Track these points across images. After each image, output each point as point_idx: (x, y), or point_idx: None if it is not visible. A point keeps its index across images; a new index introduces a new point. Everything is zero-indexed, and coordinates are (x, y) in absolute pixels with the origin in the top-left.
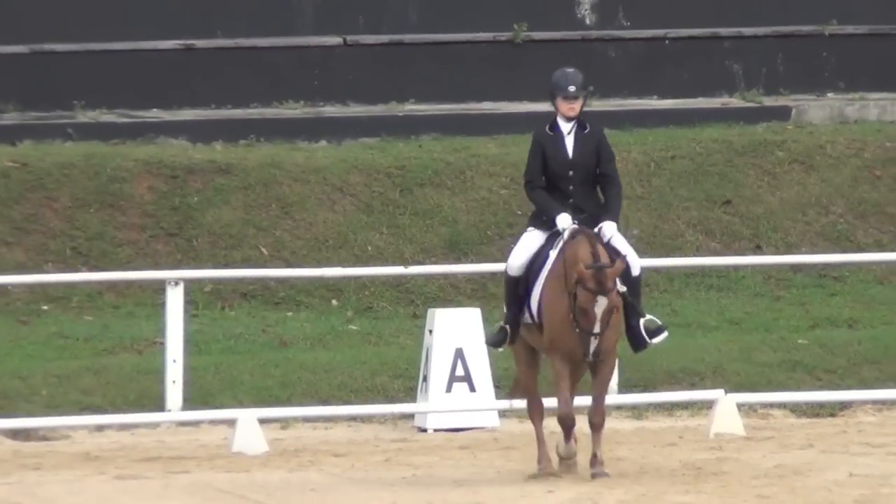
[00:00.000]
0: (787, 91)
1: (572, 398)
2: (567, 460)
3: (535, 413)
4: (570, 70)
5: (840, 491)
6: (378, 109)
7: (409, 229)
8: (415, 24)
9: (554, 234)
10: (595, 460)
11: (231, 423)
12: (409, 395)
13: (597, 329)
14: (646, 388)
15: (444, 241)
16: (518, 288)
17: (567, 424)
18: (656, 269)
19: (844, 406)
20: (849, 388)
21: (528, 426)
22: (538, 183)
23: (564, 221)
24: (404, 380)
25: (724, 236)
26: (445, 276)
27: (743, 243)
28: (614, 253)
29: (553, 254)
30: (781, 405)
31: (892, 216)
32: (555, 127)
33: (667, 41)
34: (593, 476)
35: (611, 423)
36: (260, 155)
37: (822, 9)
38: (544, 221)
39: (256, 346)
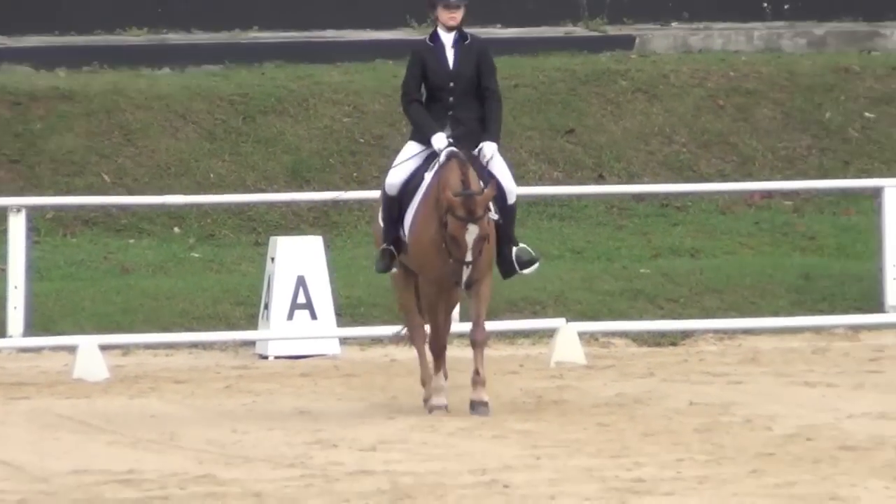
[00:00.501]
0: (630, 20)
1: (447, 324)
2: (438, 390)
3: (417, 335)
4: None
5: (680, 419)
6: (222, 37)
7: (252, 157)
8: None
9: (432, 155)
10: (477, 377)
11: (72, 349)
12: (251, 322)
13: (468, 258)
14: (488, 317)
15: (286, 169)
16: (394, 209)
17: (438, 349)
18: None
19: (686, 335)
20: (690, 317)
21: (370, 353)
22: (415, 96)
23: (440, 142)
24: (246, 307)
25: (566, 165)
26: (288, 203)
27: (586, 172)
28: (488, 178)
29: (428, 176)
30: (623, 334)
31: (734, 146)
32: (435, 38)
33: None
34: (472, 406)
35: (452, 352)
36: (103, 82)
37: None
38: (423, 138)
39: (98, 273)
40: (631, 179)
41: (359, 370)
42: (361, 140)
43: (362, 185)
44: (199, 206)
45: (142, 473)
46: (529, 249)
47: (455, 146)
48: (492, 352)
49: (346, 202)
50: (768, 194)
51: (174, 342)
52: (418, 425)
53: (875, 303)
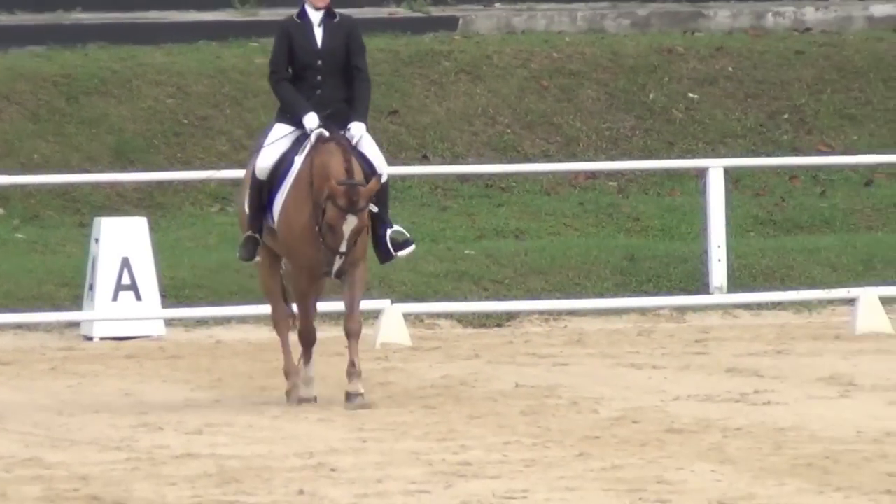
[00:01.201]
0: (454, 1)
1: (313, 311)
2: (307, 383)
3: (281, 322)
4: None
5: (506, 401)
6: (45, 17)
7: (76, 138)
8: None
9: (302, 137)
10: (352, 369)
11: None
12: (76, 303)
13: (343, 248)
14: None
15: (110, 149)
16: (262, 193)
17: (307, 340)
18: None
19: (511, 316)
20: (515, 298)
21: (195, 335)
22: (283, 74)
23: (311, 122)
24: (70, 288)
25: (390, 146)
26: (112, 184)
27: (410, 153)
28: (368, 167)
29: (299, 159)
30: (448, 315)
31: (558, 126)
32: (303, 15)
33: None
34: (348, 397)
35: (274, 334)
36: None
37: None
38: (292, 117)
39: None
40: (455, 160)
41: (184, 352)
42: (185, 121)
43: (186, 165)
44: (22, 186)
45: None
46: (404, 231)
47: (325, 127)
48: (318, 333)
49: (169, 183)
50: (592, 175)
51: None
52: (244, 408)
53: (700, 284)
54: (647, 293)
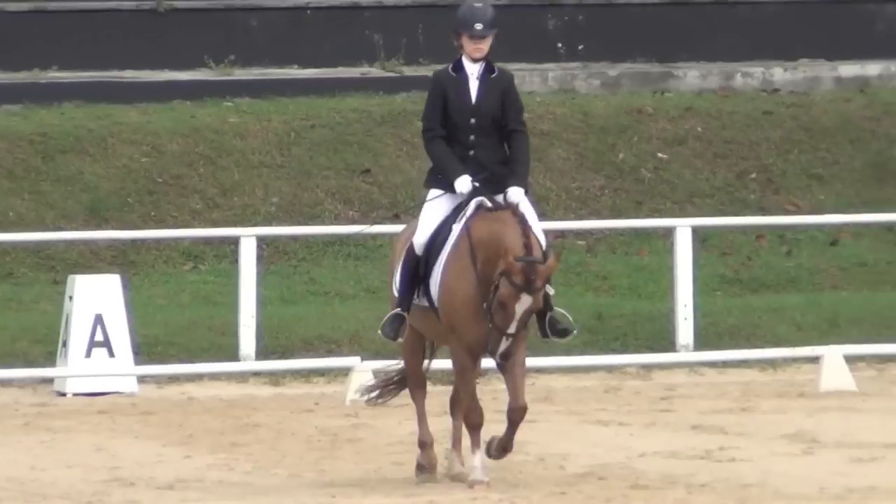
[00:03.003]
0: (426, 61)
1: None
2: (482, 471)
3: (417, 388)
4: (479, 5)
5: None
6: (21, 76)
7: (51, 196)
8: None
9: (462, 204)
10: (500, 449)
11: None
12: (50, 360)
13: (512, 329)
14: (283, 355)
15: (85, 207)
16: (418, 268)
17: (475, 422)
18: (294, 238)
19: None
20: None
21: (167, 391)
22: (438, 132)
23: (463, 185)
24: (44, 345)
25: (362, 205)
26: (86, 242)
27: (381, 212)
28: (543, 243)
29: (457, 227)
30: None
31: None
32: (459, 68)
33: (308, 11)
34: (471, 486)
35: (248, 390)
36: None
37: None
38: (445, 180)
39: None
40: None
41: (156, 408)
42: (159, 180)
43: (160, 223)
44: None
45: None
46: (567, 316)
47: (480, 192)
48: (287, 390)
49: (143, 241)
50: (561, 234)
51: None
52: (214, 464)
53: (667, 342)
54: (614, 351)
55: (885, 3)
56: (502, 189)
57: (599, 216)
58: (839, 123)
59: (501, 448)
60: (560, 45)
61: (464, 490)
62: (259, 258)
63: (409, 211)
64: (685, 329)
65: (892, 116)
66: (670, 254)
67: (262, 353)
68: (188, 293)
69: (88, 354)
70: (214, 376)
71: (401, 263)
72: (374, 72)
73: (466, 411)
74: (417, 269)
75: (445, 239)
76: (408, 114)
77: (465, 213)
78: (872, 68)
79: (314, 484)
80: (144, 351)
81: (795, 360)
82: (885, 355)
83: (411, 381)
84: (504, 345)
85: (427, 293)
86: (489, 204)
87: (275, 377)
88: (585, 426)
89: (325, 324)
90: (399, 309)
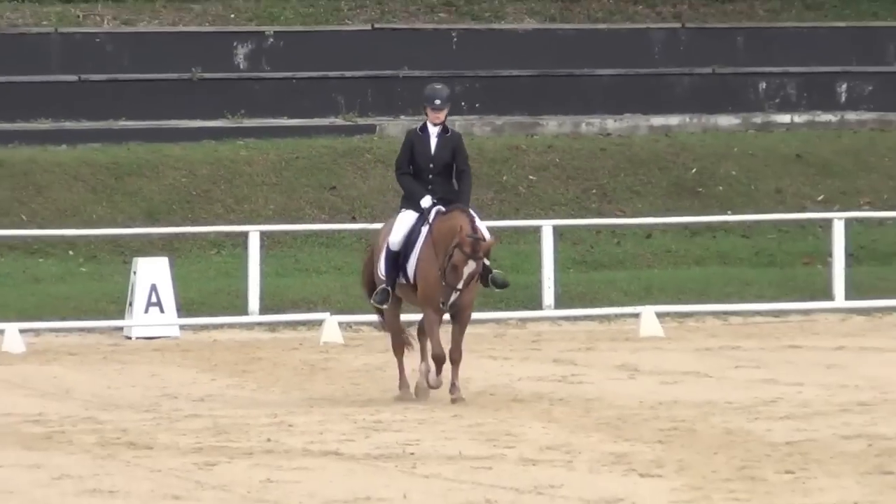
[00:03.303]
0: (373, 114)
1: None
2: (433, 388)
3: (398, 349)
4: (439, 86)
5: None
6: (100, 124)
7: (121, 204)
8: None
9: (422, 216)
10: (454, 387)
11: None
12: (121, 314)
13: (460, 286)
14: (278, 311)
15: (143, 212)
16: (398, 258)
17: (440, 361)
18: (285, 232)
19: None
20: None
21: (199, 336)
22: (405, 170)
23: (427, 202)
24: (117, 304)
25: (330, 210)
26: (145, 235)
27: (342, 216)
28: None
29: (425, 230)
30: (369, 323)
31: None
32: (424, 129)
33: (294, 80)
34: (453, 401)
35: (254, 335)
36: None
37: (399, 58)
38: (412, 202)
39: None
40: (374, 219)
41: (192, 347)
42: (194, 193)
43: (195, 223)
44: (85, 237)
45: (47, 416)
46: (504, 275)
47: (438, 206)
48: (281, 335)
49: (183, 235)
50: None
51: (69, 328)
52: (231, 385)
53: (536, 303)
54: (500, 309)
55: (681, 76)
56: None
57: (490, 218)
58: (651, 156)
59: (452, 384)
60: (463, 103)
61: (402, 403)
62: (261, 246)
63: (362, 215)
64: (548, 294)
65: (687, 152)
66: (539, 243)
67: (263, 310)
68: (214, 270)
69: (146, 311)
70: (231, 325)
71: (383, 256)
72: (338, 121)
73: (434, 353)
74: (397, 259)
75: (416, 239)
76: (361, 150)
77: (428, 220)
78: (673, 119)
79: (299, 398)
80: (185, 308)
81: (623, 315)
82: (682, 312)
83: (394, 341)
84: (453, 297)
85: (405, 274)
86: (444, 209)
87: (272, 326)
88: (481, 360)
89: (306, 290)
90: (385, 285)
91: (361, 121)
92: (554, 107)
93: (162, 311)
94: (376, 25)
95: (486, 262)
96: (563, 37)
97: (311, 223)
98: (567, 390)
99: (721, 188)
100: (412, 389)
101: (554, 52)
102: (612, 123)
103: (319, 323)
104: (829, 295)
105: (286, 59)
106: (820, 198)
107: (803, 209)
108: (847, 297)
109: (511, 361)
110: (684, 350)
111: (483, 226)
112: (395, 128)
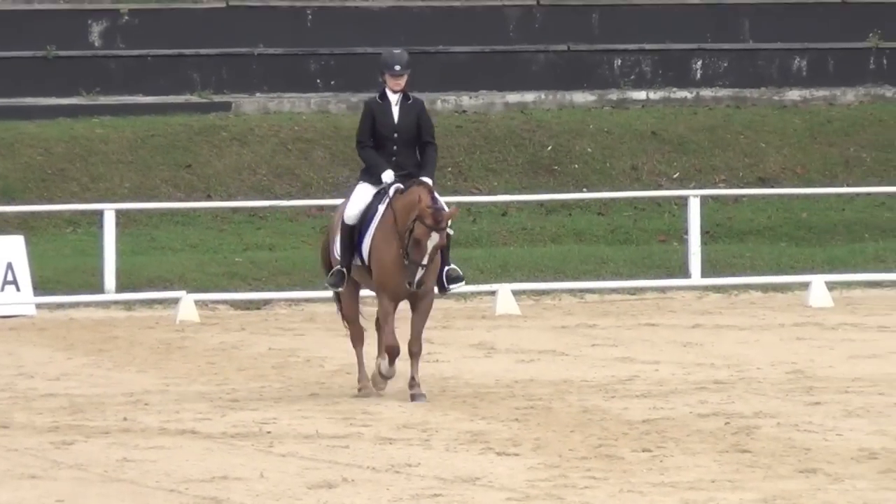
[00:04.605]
0: (229, 91)
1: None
2: (386, 378)
3: (357, 339)
4: (397, 51)
5: (262, 359)
6: None
7: None
8: None
9: (381, 192)
10: (413, 382)
11: None
12: None
13: (424, 261)
14: (134, 289)
15: None
16: (353, 235)
17: (393, 353)
18: (140, 210)
19: (266, 302)
20: (269, 290)
21: (56, 314)
22: (367, 143)
23: (388, 177)
24: None
25: (186, 188)
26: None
27: (198, 194)
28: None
29: (382, 207)
30: (224, 302)
31: (298, 176)
32: (384, 97)
33: (149, 58)
34: (412, 398)
35: (110, 314)
36: None
37: (254, 35)
38: (372, 176)
39: None
40: (230, 198)
41: (48, 325)
42: (49, 171)
43: (51, 201)
44: None
45: None
46: (458, 269)
47: (399, 182)
48: (135, 313)
49: (39, 213)
50: (320, 209)
51: None
52: (87, 363)
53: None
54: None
55: (536, 53)
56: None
57: (346, 196)
58: (507, 134)
59: (411, 378)
60: (319, 80)
61: (254, 379)
62: (117, 224)
63: (217, 193)
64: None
65: (542, 129)
66: None
67: (119, 289)
68: (70, 248)
69: (2, 289)
70: (87, 304)
71: (338, 234)
72: (194, 99)
73: (387, 344)
74: (352, 237)
75: (373, 216)
76: (217, 127)
77: (387, 196)
78: (529, 96)
79: (155, 376)
80: (41, 287)
81: (479, 293)
82: (539, 290)
83: (352, 332)
84: (419, 274)
85: (360, 255)
86: (402, 186)
87: (128, 305)
88: (338, 339)
89: (161, 268)
90: (340, 266)
91: (217, 98)
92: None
93: (18, 289)
94: (231, 3)
95: (451, 230)
96: (418, 14)
97: (166, 201)
98: (423, 368)
99: (577, 166)
100: (371, 382)
101: (409, 29)
102: (467, 101)
103: (176, 301)
104: (685, 273)
105: (141, 36)
106: (675, 175)
107: (659, 187)
108: (703, 275)
109: (367, 340)
110: (541, 328)
111: (441, 199)
112: (251, 105)
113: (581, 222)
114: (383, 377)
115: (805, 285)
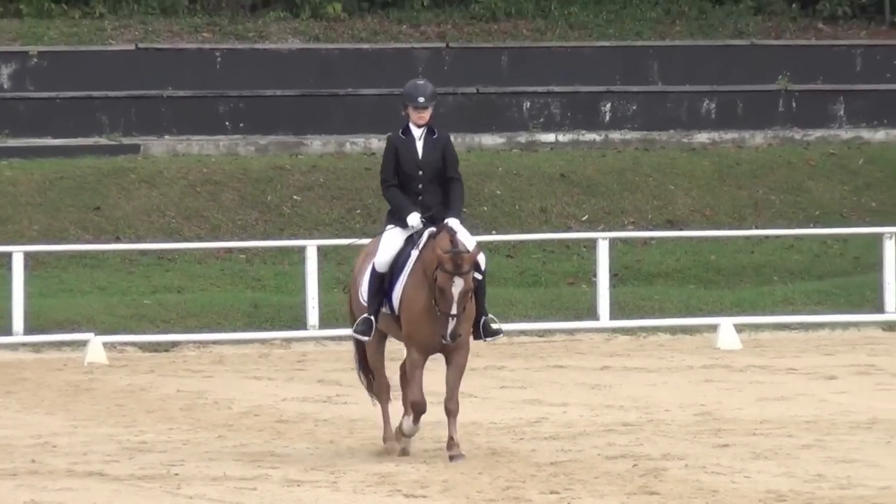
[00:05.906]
0: (137, 134)
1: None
2: (408, 437)
3: (382, 392)
4: (421, 82)
5: (170, 401)
6: None
7: None
8: None
9: (415, 235)
10: (452, 443)
11: None
12: None
13: (454, 310)
14: (42, 331)
15: None
16: (383, 282)
17: (419, 410)
18: (49, 253)
19: (175, 344)
20: (178, 332)
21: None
22: (392, 182)
23: (414, 220)
24: None
25: (94, 231)
26: None
27: (107, 236)
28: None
29: (415, 253)
30: (133, 344)
31: (207, 218)
32: (407, 132)
33: (58, 100)
34: (451, 458)
35: (18, 355)
36: None
37: (163, 78)
38: (399, 219)
39: None
40: (139, 240)
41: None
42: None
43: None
44: None
45: None
46: (496, 320)
47: (427, 225)
48: (43, 355)
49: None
50: (229, 251)
51: None
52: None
53: (301, 323)
54: (265, 329)
55: (445, 95)
56: (442, 220)
57: (255, 238)
58: None
59: (450, 438)
60: (227, 123)
61: (163, 421)
62: (25, 267)
63: (126, 235)
64: (313, 314)
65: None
66: (303, 264)
67: (27, 331)
68: None
69: None
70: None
71: (366, 279)
72: (103, 141)
73: (413, 400)
74: (382, 284)
75: (405, 262)
76: (125, 169)
77: (419, 242)
78: None
79: (63, 418)
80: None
81: None
82: None
83: (377, 385)
84: (451, 325)
85: (390, 303)
86: (435, 230)
87: (36, 347)
88: (246, 380)
89: (70, 311)
90: (368, 314)
91: (126, 140)
92: (318, 126)
93: None
94: (140, 45)
95: (478, 274)
96: (326, 56)
97: (75, 243)
98: (332, 411)
99: (486, 208)
100: (396, 440)
101: (318, 71)
102: (376, 143)
103: (84, 343)
104: (593, 315)
105: (50, 78)
106: (584, 217)
107: (568, 229)
108: (612, 317)
109: (276, 382)
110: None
111: (468, 237)
112: (160, 147)
113: (490, 264)
114: (405, 435)
115: (713, 327)
